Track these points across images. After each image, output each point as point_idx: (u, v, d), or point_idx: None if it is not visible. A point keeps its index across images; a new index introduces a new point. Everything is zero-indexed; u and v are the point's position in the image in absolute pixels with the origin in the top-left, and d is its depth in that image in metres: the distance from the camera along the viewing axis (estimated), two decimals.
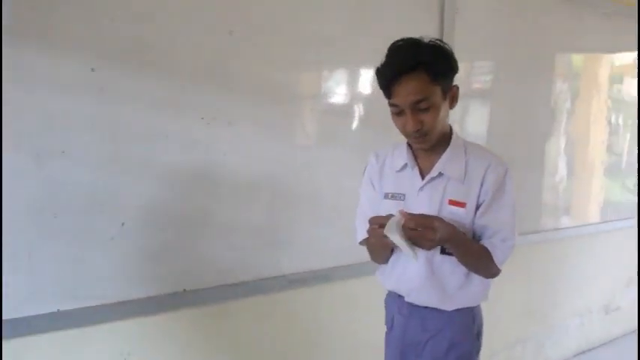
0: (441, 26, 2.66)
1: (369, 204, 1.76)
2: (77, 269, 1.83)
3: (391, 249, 1.70)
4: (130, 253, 1.92)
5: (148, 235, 1.96)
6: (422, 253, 1.61)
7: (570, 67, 3.56)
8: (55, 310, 1.80)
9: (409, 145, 1.68)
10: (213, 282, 2.12)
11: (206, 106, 2.04)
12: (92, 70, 1.78)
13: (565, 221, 3.69)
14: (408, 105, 1.49)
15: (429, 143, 1.59)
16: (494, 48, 3.00)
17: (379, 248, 1.73)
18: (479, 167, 1.61)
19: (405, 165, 1.68)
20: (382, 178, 1.74)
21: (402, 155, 1.69)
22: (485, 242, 1.62)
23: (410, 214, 1.48)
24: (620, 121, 4.02)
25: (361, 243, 1.77)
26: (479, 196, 1.60)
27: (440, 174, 1.62)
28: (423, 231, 1.46)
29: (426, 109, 1.50)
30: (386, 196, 1.71)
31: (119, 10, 1.82)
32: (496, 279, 1.72)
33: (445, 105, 1.56)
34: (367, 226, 1.57)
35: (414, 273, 1.67)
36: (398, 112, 1.54)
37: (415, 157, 1.68)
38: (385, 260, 1.77)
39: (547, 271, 3.66)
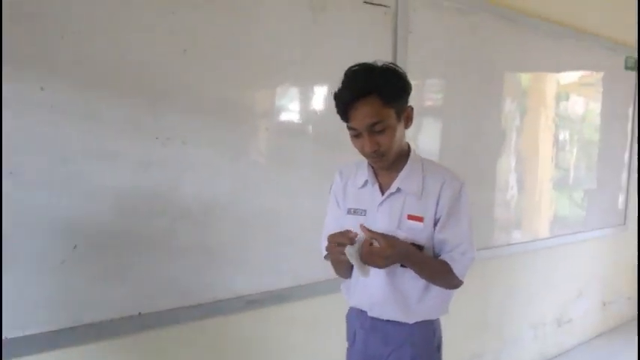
0: (394, 46, 2.70)
1: (334, 221, 1.82)
2: (27, 294, 1.76)
3: (351, 265, 1.72)
4: (82, 276, 1.87)
5: (101, 258, 1.91)
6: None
7: (519, 85, 3.66)
8: (2, 337, 1.72)
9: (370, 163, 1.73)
10: (169, 304, 2.08)
11: (160, 125, 2.01)
12: (41, 88, 1.74)
13: (516, 236, 3.76)
14: (364, 128, 1.56)
15: (386, 163, 1.65)
16: (446, 67, 3.06)
17: (337, 264, 1.80)
18: (435, 183, 1.67)
19: (366, 182, 1.74)
20: (345, 195, 1.80)
21: (363, 173, 1.76)
22: (444, 256, 1.67)
23: (370, 231, 1.56)
24: (567, 137, 4.15)
25: (326, 257, 1.80)
26: (436, 212, 1.66)
27: (398, 189, 1.68)
28: (373, 256, 1.55)
29: (382, 131, 1.57)
30: (349, 211, 1.77)
31: (70, 27, 1.78)
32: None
33: (400, 126, 1.63)
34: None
35: (376, 287, 1.72)
36: (356, 135, 1.61)
37: (376, 175, 1.74)
38: (347, 274, 1.83)
39: (500, 286, 3.72)
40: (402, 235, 1.62)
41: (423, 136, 3.03)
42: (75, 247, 1.84)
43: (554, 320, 4.25)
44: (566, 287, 4.37)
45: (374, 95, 1.54)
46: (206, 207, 2.15)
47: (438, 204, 1.65)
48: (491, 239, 3.52)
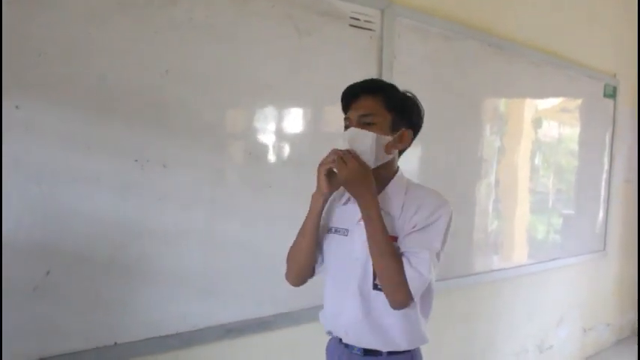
0: (379, 70, 2.69)
1: None
2: None
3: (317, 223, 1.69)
4: (55, 304, 1.79)
5: (76, 285, 1.83)
6: (355, 289, 1.64)
7: (500, 111, 3.67)
8: None
9: None
10: (146, 334, 2.00)
11: (140, 147, 1.95)
12: (16, 107, 1.68)
13: (498, 263, 3.74)
14: (357, 117, 1.59)
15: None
16: (429, 92, 3.02)
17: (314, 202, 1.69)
18: (414, 203, 1.62)
19: (349, 199, 1.69)
20: (329, 212, 1.75)
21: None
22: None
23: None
24: (545, 163, 4.17)
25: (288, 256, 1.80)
26: (409, 224, 1.59)
27: None
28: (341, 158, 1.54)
29: (370, 125, 1.58)
30: (330, 230, 1.73)
31: (48, 46, 1.73)
32: (433, 322, 1.72)
33: (391, 141, 1.62)
34: None
35: (350, 311, 1.65)
36: (346, 127, 1.62)
37: None
38: (304, 244, 1.73)
39: (483, 313, 3.69)
40: None
41: (403, 160, 2.98)
42: (48, 272, 1.77)
43: (535, 347, 4.22)
44: (548, 313, 4.36)
45: (381, 95, 1.60)
46: (185, 232, 2.09)
47: (411, 219, 1.59)
48: (473, 266, 3.49)
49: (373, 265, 1.57)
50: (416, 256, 1.54)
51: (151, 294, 2.02)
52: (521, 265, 3.95)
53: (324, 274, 1.79)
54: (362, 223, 1.61)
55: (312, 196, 1.67)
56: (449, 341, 3.32)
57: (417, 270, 1.53)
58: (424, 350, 1.74)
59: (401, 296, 1.55)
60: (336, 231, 1.71)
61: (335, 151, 1.57)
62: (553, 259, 4.25)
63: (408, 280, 1.52)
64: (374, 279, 1.61)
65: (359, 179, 1.53)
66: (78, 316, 1.85)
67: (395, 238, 1.59)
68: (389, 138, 1.61)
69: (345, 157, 1.53)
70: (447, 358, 3.34)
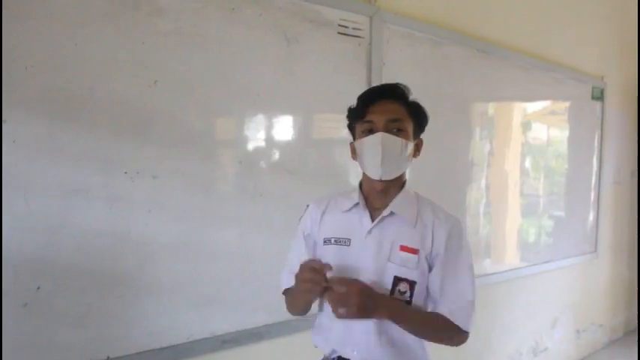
0: (368, 77, 2.68)
1: (297, 257, 1.63)
2: None
3: (310, 303, 1.63)
4: (46, 319, 1.77)
5: (67, 299, 1.81)
6: None
7: (489, 115, 3.68)
8: None
9: (361, 186, 1.64)
10: (139, 347, 1.97)
11: (129, 159, 1.93)
12: (3, 121, 1.66)
13: (492, 267, 3.74)
14: (383, 122, 1.50)
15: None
16: (418, 97, 3.02)
17: (298, 299, 1.64)
18: (429, 218, 1.57)
19: (356, 205, 1.60)
20: (322, 225, 1.64)
21: (350, 197, 1.63)
22: (442, 310, 1.55)
23: (332, 278, 1.44)
24: (535, 166, 4.18)
25: (284, 293, 1.70)
26: (432, 250, 1.54)
27: (392, 214, 1.55)
28: (337, 304, 1.42)
29: (399, 131, 1.52)
30: (326, 241, 1.60)
31: (34, 58, 1.71)
32: None
33: (414, 148, 1.59)
34: (292, 277, 1.53)
35: (361, 330, 1.53)
36: (369, 131, 1.52)
37: (365, 200, 1.61)
38: (302, 310, 1.68)
39: (479, 317, 3.64)
40: (392, 268, 1.51)
41: None
42: (38, 288, 1.74)
43: (530, 350, 4.22)
44: (541, 316, 4.36)
45: (401, 101, 1.55)
46: (176, 243, 2.07)
47: (433, 240, 1.53)
48: None
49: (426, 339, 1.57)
50: (460, 301, 1.55)
51: (144, 306, 1.99)
52: (513, 268, 3.94)
53: None
54: (373, 233, 1.55)
55: (299, 295, 1.58)
56: (444, 345, 3.30)
57: (466, 310, 1.56)
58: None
59: (461, 340, 1.62)
60: (337, 241, 1.58)
61: (326, 287, 1.45)
62: (545, 262, 4.25)
63: (463, 320, 1.54)
64: (394, 285, 1.52)
65: (367, 305, 1.43)
66: (70, 331, 1.82)
67: (414, 250, 1.52)
68: (412, 145, 1.57)
69: (341, 299, 1.41)
70: None
